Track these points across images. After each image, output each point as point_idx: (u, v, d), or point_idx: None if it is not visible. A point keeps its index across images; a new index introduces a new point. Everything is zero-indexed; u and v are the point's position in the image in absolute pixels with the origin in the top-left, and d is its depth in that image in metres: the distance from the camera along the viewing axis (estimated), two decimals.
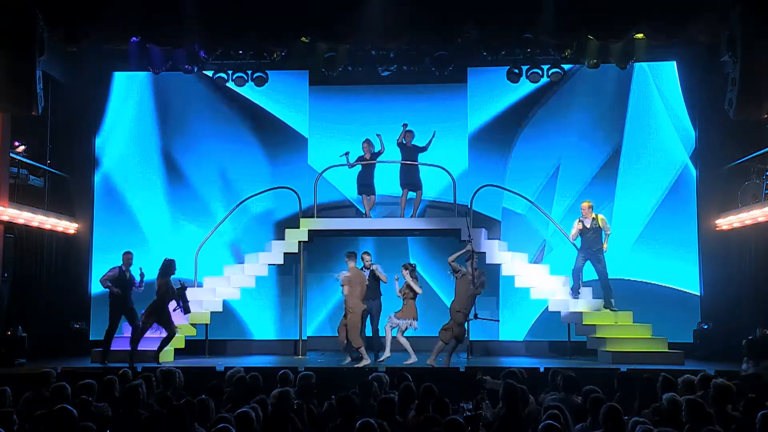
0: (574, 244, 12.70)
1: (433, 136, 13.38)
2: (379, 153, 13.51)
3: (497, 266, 13.08)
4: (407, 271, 11.66)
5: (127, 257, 11.90)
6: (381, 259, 13.02)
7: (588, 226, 12.43)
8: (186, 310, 11.74)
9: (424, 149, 13.39)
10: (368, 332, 12.36)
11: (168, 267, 11.72)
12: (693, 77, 13.87)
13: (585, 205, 12.59)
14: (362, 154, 13.53)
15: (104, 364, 11.37)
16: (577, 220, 12.63)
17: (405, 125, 13.52)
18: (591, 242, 12.40)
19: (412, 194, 13.55)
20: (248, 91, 14.38)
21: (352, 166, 13.53)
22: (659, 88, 14.07)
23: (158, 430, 5.87)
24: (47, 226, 13.10)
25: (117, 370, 8.52)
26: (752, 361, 10.18)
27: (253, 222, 14.45)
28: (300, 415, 6.77)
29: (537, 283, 12.97)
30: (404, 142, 13.39)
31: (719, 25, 10.64)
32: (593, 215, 12.47)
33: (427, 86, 14.44)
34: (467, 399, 8.06)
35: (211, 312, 12.98)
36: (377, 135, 13.55)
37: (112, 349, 11.66)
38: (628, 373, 7.99)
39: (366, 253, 12.49)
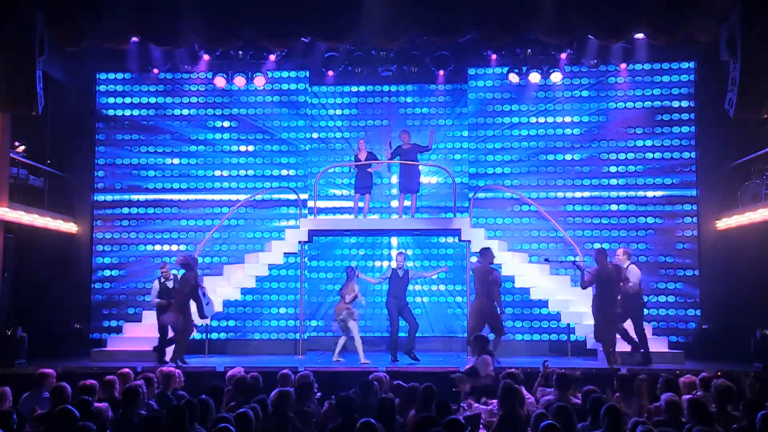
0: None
1: (432, 133, 13.27)
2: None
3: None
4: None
5: (165, 270, 12.07)
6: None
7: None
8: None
9: (427, 149, 13.13)
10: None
11: None
12: (695, 77, 13.88)
13: (620, 251, 11.61)
14: (363, 152, 13.42)
15: (162, 363, 11.17)
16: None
17: (389, 142, 13.43)
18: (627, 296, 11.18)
19: (408, 197, 13.35)
20: (248, 91, 14.37)
21: (355, 166, 13.44)
22: (661, 87, 14.05)
23: (158, 430, 5.87)
24: (47, 227, 13.09)
25: (116, 369, 8.52)
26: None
27: (254, 221, 14.45)
28: (300, 415, 6.78)
29: (537, 283, 12.95)
30: (401, 146, 13.17)
31: (719, 25, 10.64)
32: (628, 262, 11.45)
33: (427, 86, 14.42)
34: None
35: None
36: (389, 142, 13.46)
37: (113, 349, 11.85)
38: (628, 373, 7.98)
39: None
